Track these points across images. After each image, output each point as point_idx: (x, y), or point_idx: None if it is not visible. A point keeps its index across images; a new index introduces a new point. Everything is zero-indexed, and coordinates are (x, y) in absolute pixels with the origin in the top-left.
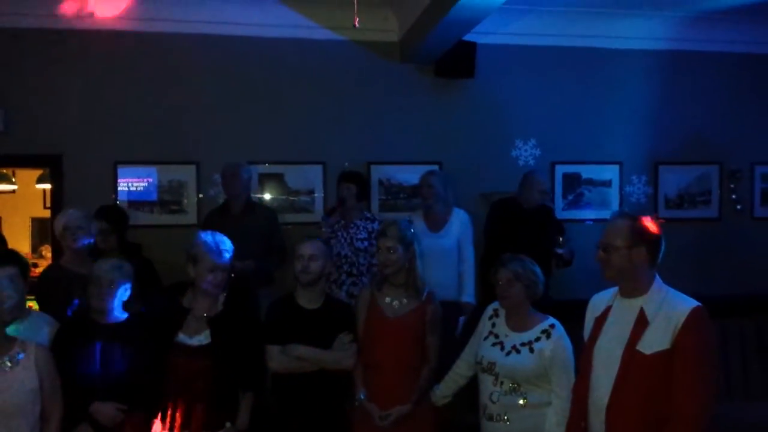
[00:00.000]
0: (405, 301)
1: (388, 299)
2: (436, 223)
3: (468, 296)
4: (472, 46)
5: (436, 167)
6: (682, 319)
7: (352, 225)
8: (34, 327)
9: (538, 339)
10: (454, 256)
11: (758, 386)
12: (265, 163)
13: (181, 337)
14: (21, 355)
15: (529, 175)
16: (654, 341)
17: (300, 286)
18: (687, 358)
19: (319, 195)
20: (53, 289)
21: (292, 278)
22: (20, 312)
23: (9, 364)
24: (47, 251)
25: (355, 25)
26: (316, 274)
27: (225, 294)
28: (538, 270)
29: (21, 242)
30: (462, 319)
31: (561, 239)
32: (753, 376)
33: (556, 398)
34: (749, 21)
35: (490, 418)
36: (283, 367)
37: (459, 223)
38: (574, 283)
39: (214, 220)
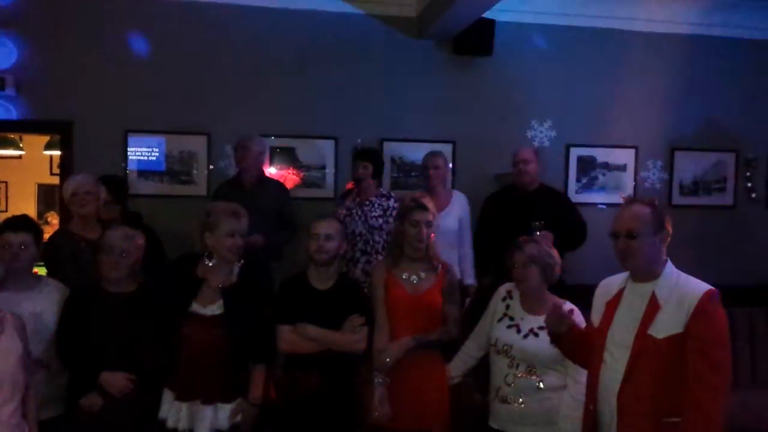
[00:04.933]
0: (423, 275)
1: (404, 275)
2: (439, 204)
3: (470, 278)
4: (491, 23)
5: (449, 146)
6: (695, 302)
7: (367, 202)
8: (45, 294)
9: None
10: (454, 237)
11: (765, 376)
12: (275, 137)
13: (195, 306)
14: (2, 325)
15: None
16: (666, 325)
17: (313, 265)
18: (700, 341)
19: (330, 170)
20: (60, 255)
21: (303, 254)
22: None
23: None
24: (53, 218)
25: None
26: (331, 254)
27: (239, 265)
28: (555, 253)
29: (27, 208)
30: (467, 301)
31: (537, 224)
32: (761, 366)
33: (573, 382)
34: None
35: (504, 401)
36: (292, 347)
37: (460, 205)
38: (584, 267)
39: (225, 192)
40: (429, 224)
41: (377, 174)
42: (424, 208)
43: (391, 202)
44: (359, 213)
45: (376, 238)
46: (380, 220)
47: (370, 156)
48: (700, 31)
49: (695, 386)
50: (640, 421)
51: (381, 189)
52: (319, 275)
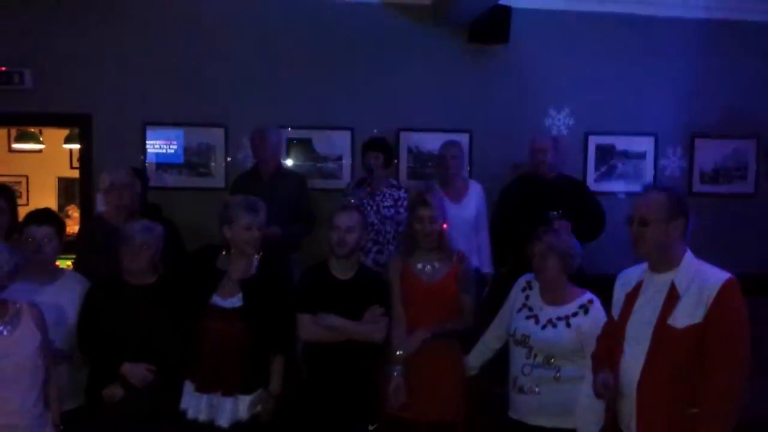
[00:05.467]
0: (437, 265)
1: (419, 265)
2: (455, 194)
3: (487, 267)
4: (507, 10)
5: (465, 136)
6: (715, 291)
7: (378, 193)
8: (66, 287)
9: (575, 314)
10: (472, 227)
11: None
12: (292, 128)
13: (216, 299)
14: (17, 316)
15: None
16: (686, 315)
17: (334, 257)
18: (719, 331)
19: (347, 161)
20: (94, 242)
21: (321, 246)
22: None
23: (10, 326)
24: (73, 211)
25: None
26: (352, 246)
27: (259, 257)
28: (575, 242)
29: (47, 202)
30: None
31: (555, 214)
32: None
33: (591, 373)
34: None
35: (521, 390)
36: (313, 336)
37: (477, 195)
38: (605, 257)
39: (243, 183)
40: (432, 219)
41: (388, 164)
42: (426, 204)
43: (402, 192)
44: (371, 203)
45: (388, 228)
46: (391, 210)
47: (380, 146)
48: (719, 16)
49: (714, 376)
50: (661, 412)
51: (391, 179)
52: (340, 265)
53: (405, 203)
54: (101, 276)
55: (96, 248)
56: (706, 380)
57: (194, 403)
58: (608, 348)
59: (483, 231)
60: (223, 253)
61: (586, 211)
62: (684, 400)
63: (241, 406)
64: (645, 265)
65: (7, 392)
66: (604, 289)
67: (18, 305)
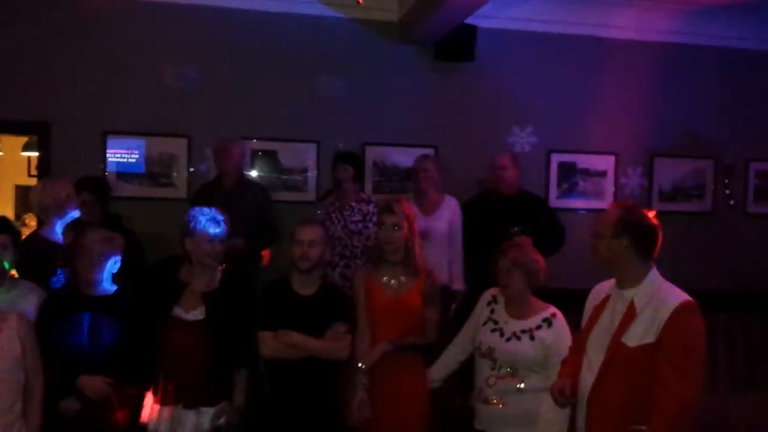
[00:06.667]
0: (403, 279)
1: (385, 278)
2: (429, 207)
3: (459, 283)
4: (473, 29)
5: (431, 151)
6: (668, 313)
7: (347, 207)
8: (21, 296)
9: (539, 327)
10: (445, 241)
11: (743, 381)
12: (257, 140)
13: (177, 311)
14: (1, 325)
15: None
16: (639, 334)
17: (296, 271)
18: (669, 352)
19: (312, 174)
20: (34, 259)
21: (285, 258)
22: (2, 281)
23: None
24: (31, 219)
25: (359, 1)
26: (314, 261)
27: (221, 269)
28: (539, 257)
29: (4, 210)
30: (453, 306)
31: (515, 229)
32: (740, 370)
33: None
34: (748, 17)
35: (486, 402)
36: (275, 354)
37: (450, 209)
38: (567, 271)
39: (205, 194)
40: (396, 226)
41: (357, 177)
42: (392, 211)
43: (371, 207)
44: (339, 217)
45: (355, 242)
46: (359, 225)
47: (350, 159)
48: (677, 39)
49: (662, 396)
50: (608, 427)
51: (361, 194)
52: (302, 281)
53: (374, 218)
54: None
55: (38, 266)
56: (653, 399)
57: (156, 416)
58: (573, 358)
59: (456, 246)
60: (187, 264)
61: (546, 227)
62: (632, 416)
63: (204, 418)
64: (614, 280)
65: None
66: (566, 303)
67: (6, 314)
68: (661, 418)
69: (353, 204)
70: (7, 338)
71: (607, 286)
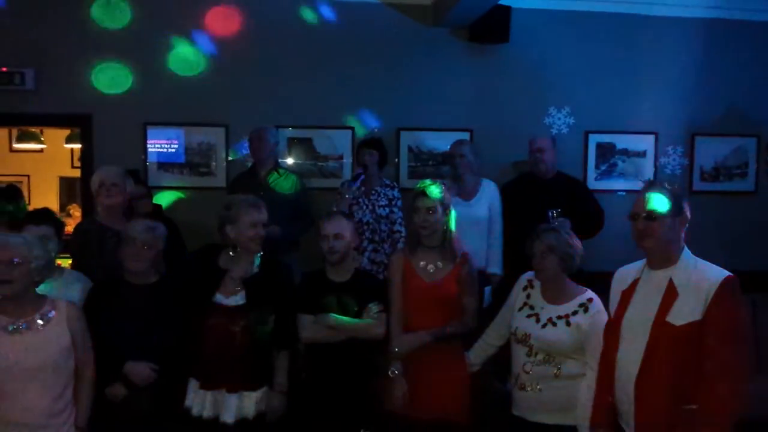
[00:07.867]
0: (440, 264)
1: (422, 263)
2: (467, 192)
3: (495, 266)
4: (507, 9)
5: (466, 135)
6: (714, 289)
7: (373, 192)
8: (66, 285)
9: (575, 312)
10: (484, 226)
11: None
12: (292, 128)
13: (218, 297)
14: (52, 313)
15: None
16: (684, 312)
17: (329, 263)
18: (719, 329)
19: (347, 160)
20: (87, 242)
21: (320, 246)
22: (49, 272)
23: (41, 322)
24: (75, 210)
25: None
26: (342, 252)
27: (259, 256)
28: (575, 242)
29: (49, 201)
30: (488, 289)
31: (553, 212)
32: None
33: (591, 371)
34: None
35: (522, 388)
36: (314, 336)
37: (489, 193)
38: (605, 254)
39: (241, 183)
40: (430, 210)
41: (382, 163)
42: (425, 194)
43: (395, 192)
44: (366, 202)
45: (383, 226)
46: (386, 209)
47: (375, 144)
48: (720, 15)
49: (712, 374)
50: (659, 408)
51: (385, 179)
52: (336, 270)
53: (399, 203)
54: (98, 276)
55: (90, 249)
56: (706, 381)
57: (198, 401)
58: (606, 345)
59: (495, 230)
60: (229, 252)
61: (585, 210)
62: (682, 395)
63: (247, 402)
64: (642, 263)
65: (24, 388)
66: (604, 286)
67: (56, 302)
68: (712, 396)
69: (379, 189)
70: (56, 327)
71: (632, 269)
